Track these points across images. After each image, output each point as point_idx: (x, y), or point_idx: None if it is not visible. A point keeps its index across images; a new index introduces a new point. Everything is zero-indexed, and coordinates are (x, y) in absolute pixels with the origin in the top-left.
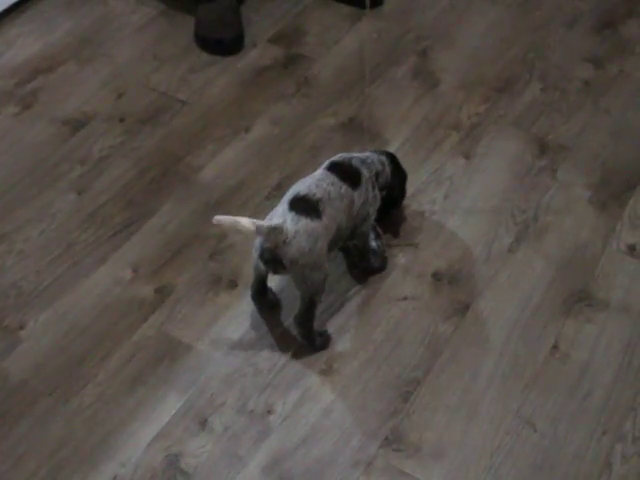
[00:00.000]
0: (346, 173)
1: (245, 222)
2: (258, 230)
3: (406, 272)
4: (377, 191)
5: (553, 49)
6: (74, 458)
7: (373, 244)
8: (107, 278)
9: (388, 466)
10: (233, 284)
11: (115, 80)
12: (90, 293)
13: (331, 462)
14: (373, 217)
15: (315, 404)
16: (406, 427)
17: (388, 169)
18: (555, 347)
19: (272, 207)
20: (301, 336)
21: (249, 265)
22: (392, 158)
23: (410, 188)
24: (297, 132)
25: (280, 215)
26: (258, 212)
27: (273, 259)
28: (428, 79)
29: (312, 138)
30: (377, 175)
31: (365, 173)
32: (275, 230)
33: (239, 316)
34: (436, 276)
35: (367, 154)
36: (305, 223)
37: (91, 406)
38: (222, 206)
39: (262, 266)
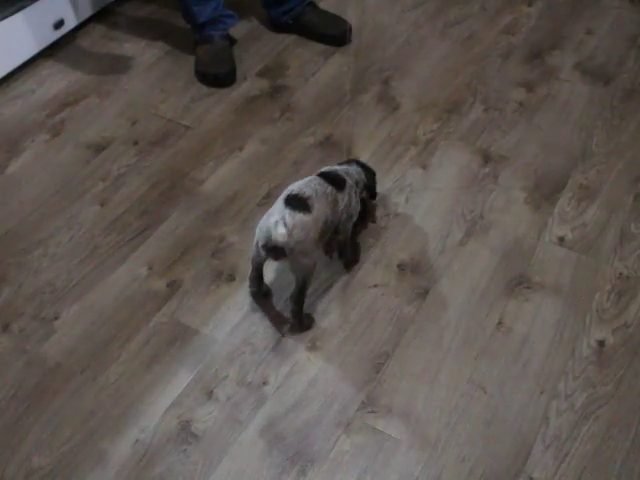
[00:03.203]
0: (332, 179)
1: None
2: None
3: (376, 263)
4: (358, 197)
5: (492, 76)
6: (102, 426)
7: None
8: (126, 275)
9: (364, 425)
10: (232, 278)
11: (129, 110)
12: (113, 288)
13: (317, 423)
14: (355, 218)
15: (302, 376)
16: (378, 393)
17: (363, 175)
18: (500, 323)
19: (263, 213)
20: (293, 313)
21: (245, 262)
22: (362, 165)
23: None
24: (282, 149)
25: (278, 212)
26: (251, 216)
27: (274, 248)
28: (390, 103)
29: (295, 154)
30: (357, 183)
31: (349, 181)
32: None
33: (237, 304)
34: (400, 266)
35: (345, 167)
36: (300, 217)
37: (115, 382)
38: (221, 213)
39: (263, 254)
